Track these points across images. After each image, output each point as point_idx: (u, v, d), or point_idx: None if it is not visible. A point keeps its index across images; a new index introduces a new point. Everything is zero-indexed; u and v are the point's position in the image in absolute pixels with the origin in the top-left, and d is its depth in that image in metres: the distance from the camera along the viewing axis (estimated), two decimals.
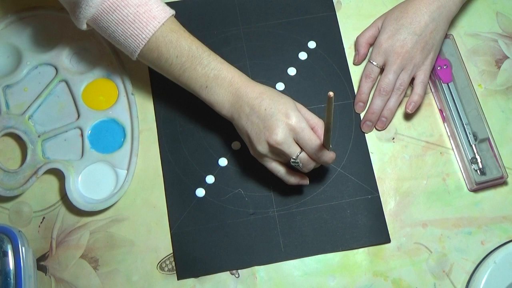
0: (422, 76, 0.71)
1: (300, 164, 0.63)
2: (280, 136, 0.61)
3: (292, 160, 0.62)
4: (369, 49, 0.76)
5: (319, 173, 0.71)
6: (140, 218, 0.69)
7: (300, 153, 0.62)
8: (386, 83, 0.71)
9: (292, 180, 0.66)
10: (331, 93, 0.50)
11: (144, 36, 0.62)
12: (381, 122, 0.72)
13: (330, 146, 0.62)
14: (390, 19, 0.72)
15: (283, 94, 0.64)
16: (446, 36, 0.74)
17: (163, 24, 0.62)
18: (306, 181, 0.67)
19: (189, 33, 0.64)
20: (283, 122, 0.61)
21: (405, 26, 0.70)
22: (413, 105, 0.71)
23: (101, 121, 0.72)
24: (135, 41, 0.62)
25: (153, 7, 0.62)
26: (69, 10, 0.63)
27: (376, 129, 0.73)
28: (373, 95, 0.72)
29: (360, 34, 0.76)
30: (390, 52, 0.71)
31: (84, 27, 0.63)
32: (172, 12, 0.64)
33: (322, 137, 0.62)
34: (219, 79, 0.63)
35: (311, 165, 0.64)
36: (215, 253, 0.68)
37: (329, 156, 0.63)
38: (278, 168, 0.65)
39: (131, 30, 0.62)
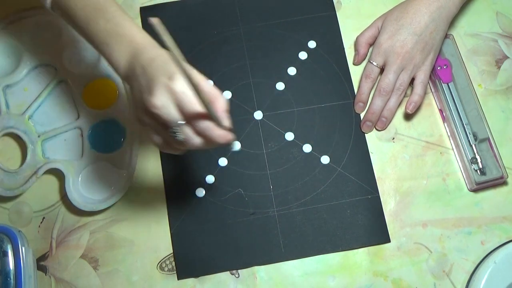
0: (422, 76, 0.71)
1: (181, 136, 0.54)
2: (159, 98, 0.52)
3: (171, 129, 0.54)
4: (369, 49, 0.76)
5: (319, 173, 0.71)
6: (140, 218, 0.69)
7: (182, 122, 0.53)
8: (386, 83, 0.71)
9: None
10: (154, 20, 0.45)
11: None
12: (381, 122, 0.72)
13: (225, 124, 0.54)
14: (390, 19, 0.72)
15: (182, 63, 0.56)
16: (446, 36, 0.74)
17: None
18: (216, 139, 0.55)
19: None
20: (164, 84, 0.53)
21: (405, 27, 0.70)
22: (413, 105, 0.71)
23: (101, 121, 0.72)
24: None
25: None
26: None
27: (376, 129, 0.73)
28: (373, 95, 0.72)
29: (360, 34, 0.76)
30: (390, 52, 0.71)
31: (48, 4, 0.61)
32: None
33: (218, 111, 0.54)
34: (118, 36, 0.58)
35: (196, 140, 0.55)
36: (215, 253, 0.68)
37: (217, 133, 0.54)
38: (155, 140, 0.56)
39: None
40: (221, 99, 0.54)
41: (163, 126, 0.54)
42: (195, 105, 0.52)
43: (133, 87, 0.57)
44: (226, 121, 0.54)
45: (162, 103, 0.52)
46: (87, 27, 0.59)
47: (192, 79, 0.51)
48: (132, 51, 0.57)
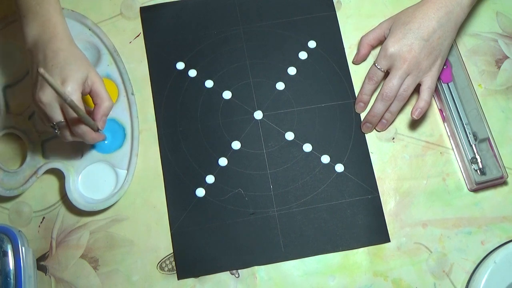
0: (429, 82, 0.70)
1: (58, 132, 0.63)
2: (46, 97, 0.60)
3: (51, 124, 0.62)
4: (370, 51, 0.75)
5: (319, 173, 0.71)
6: (140, 218, 0.69)
7: (61, 122, 0.62)
8: (389, 88, 0.70)
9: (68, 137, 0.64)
10: (40, 70, 0.52)
11: None
12: (382, 124, 0.72)
13: (97, 127, 0.64)
14: (397, 24, 0.71)
15: (84, 62, 0.64)
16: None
17: None
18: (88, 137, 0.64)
19: None
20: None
21: (412, 31, 0.69)
22: (419, 111, 0.69)
23: None
24: None
25: None
26: None
27: (376, 130, 0.73)
28: (376, 98, 0.71)
29: (364, 35, 0.75)
30: (396, 56, 0.69)
31: None
32: None
33: (97, 115, 0.64)
34: (36, 14, 0.63)
35: (69, 138, 0.64)
36: (215, 253, 0.68)
37: (90, 136, 0.63)
38: (37, 126, 0.66)
39: None
40: (106, 103, 0.64)
41: (45, 118, 0.62)
42: (77, 111, 0.59)
43: (32, 65, 0.63)
44: (102, 125, 0.65)
45: (48, 101, 0.60)
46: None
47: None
48: (41, 33, 0.63)
